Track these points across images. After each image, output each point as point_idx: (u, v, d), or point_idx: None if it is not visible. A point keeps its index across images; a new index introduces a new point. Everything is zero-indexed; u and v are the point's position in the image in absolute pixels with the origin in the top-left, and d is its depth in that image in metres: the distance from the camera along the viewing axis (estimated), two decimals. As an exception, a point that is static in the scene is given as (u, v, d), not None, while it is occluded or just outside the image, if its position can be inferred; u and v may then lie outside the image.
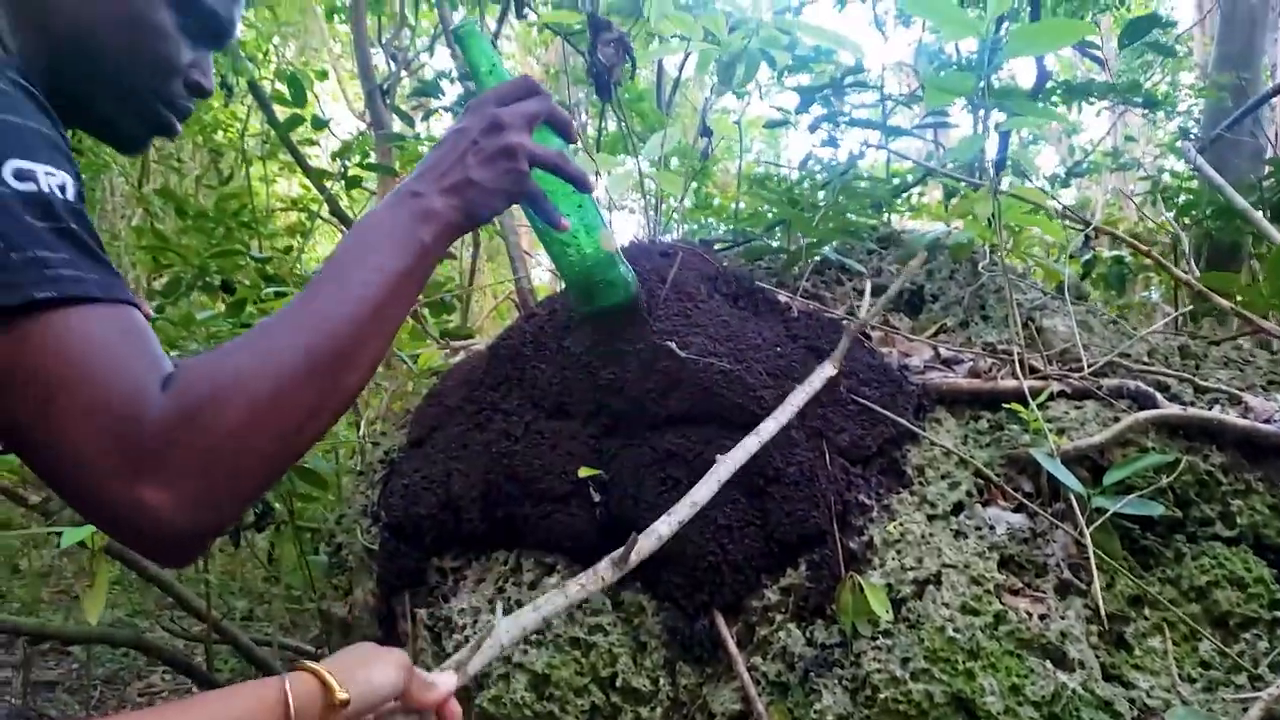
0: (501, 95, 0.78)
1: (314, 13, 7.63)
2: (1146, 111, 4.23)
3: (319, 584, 2.08)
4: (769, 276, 1.94)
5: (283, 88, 2.78)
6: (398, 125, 3.71)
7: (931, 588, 1.08)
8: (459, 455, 1.43)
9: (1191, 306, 2.06)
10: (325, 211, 3.50)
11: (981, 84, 1.47)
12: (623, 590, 1.25)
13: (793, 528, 1.19)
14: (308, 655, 2.52)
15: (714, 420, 1.29)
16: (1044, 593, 1.08)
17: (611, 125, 3.75)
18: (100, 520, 0.58)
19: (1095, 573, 1.06)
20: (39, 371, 0.54)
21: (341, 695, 0.60)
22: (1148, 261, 2.09)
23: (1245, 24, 4.42)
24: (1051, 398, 1.33)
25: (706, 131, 2.59)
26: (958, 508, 1.21)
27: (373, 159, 3.21)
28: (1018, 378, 1.37)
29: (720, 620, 1.18)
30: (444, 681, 0.72)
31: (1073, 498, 1.15)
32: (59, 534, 1.45)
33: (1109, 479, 1.15)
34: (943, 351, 1.54)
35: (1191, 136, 3.62)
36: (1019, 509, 1.20)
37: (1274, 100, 4.10)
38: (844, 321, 1.48)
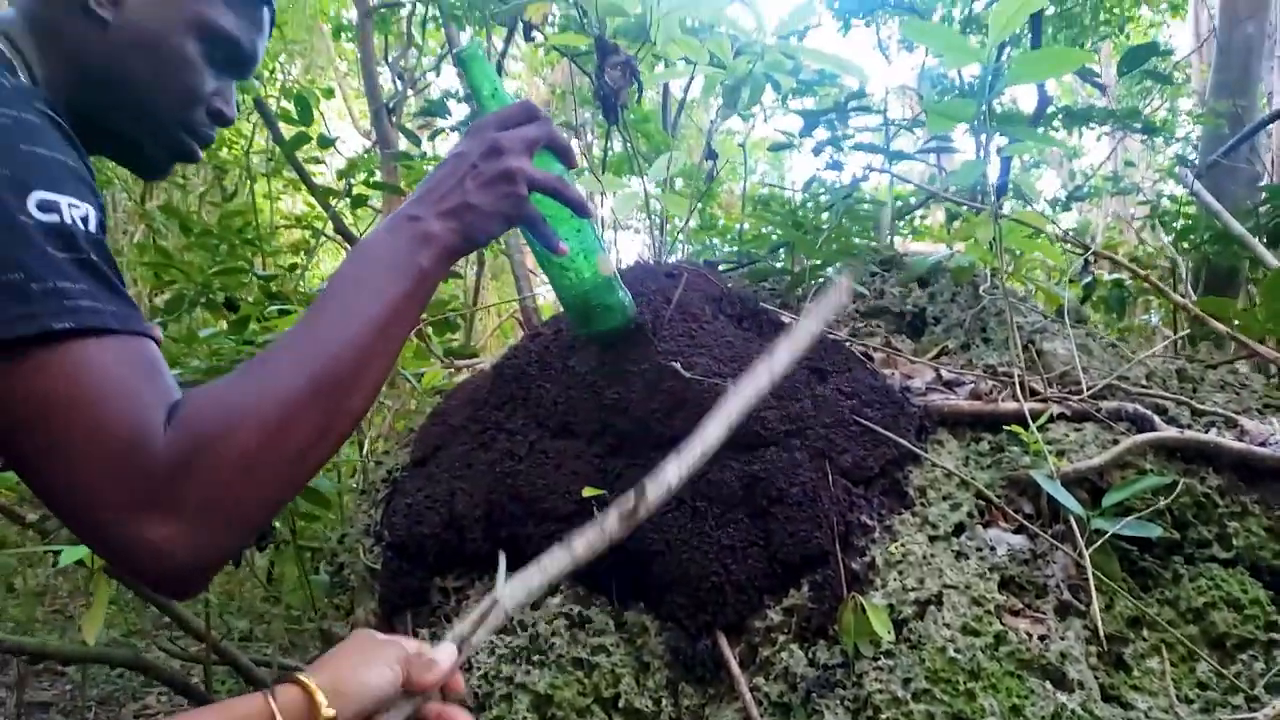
0: (502, 119, 0.79)
1: (321, 31, 7.71)
2: (1146, 137, 4.27)
3: (320, 604, 2.08)
4: (773, 297, 1.96)
5: (289, 105, 2.81)
6: (404, 144, 3.75)
7: (933, 608, 1.09)
8: (463, 474, 1.43)
9: (1189, 330, 2.08)
10: (330, 229, 3.52)
11: (983, 110, 1.50)
12: (626, 611, 1.26)
13: (795, 548, 1.19)
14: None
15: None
16: (1044, 614, 1.09)
17: (617, 146, 3.78)
18: (106, 553, 0.58)
19: (1094, 594, 1.07)
20: (52, 401, 0.55)
21: (328, 713, 0.59)
22: (1147, 285, 2.11)
23: (1241, 52, 4.47)
24: (1051, 420, 1.35)
25: (711, 154, 2.62)
26: (959, 529, 1.22)
27: (378, 177, 3.24)
28: (1018, 400, 1.38)
29: (723, 641, 1.19)
30: (444, 657, 0.69)
31: (1072, 519, 1.16)
32: (56, 552, 1.44)
33: (1108, 501, 1.16)
34: (944, 374, 1.55)
35: (1189, 163, 3.66)
36: (1019, 530, 1.21)
37: (1270, 127, 4.14)
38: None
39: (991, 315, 1.73)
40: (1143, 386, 1.49)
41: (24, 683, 2.70)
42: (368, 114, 5.45)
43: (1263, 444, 1.23)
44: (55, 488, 0.57)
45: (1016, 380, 1.43)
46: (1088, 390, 1.43)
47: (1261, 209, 2.59)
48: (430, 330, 2.57)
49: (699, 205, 3.17)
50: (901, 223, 3.00)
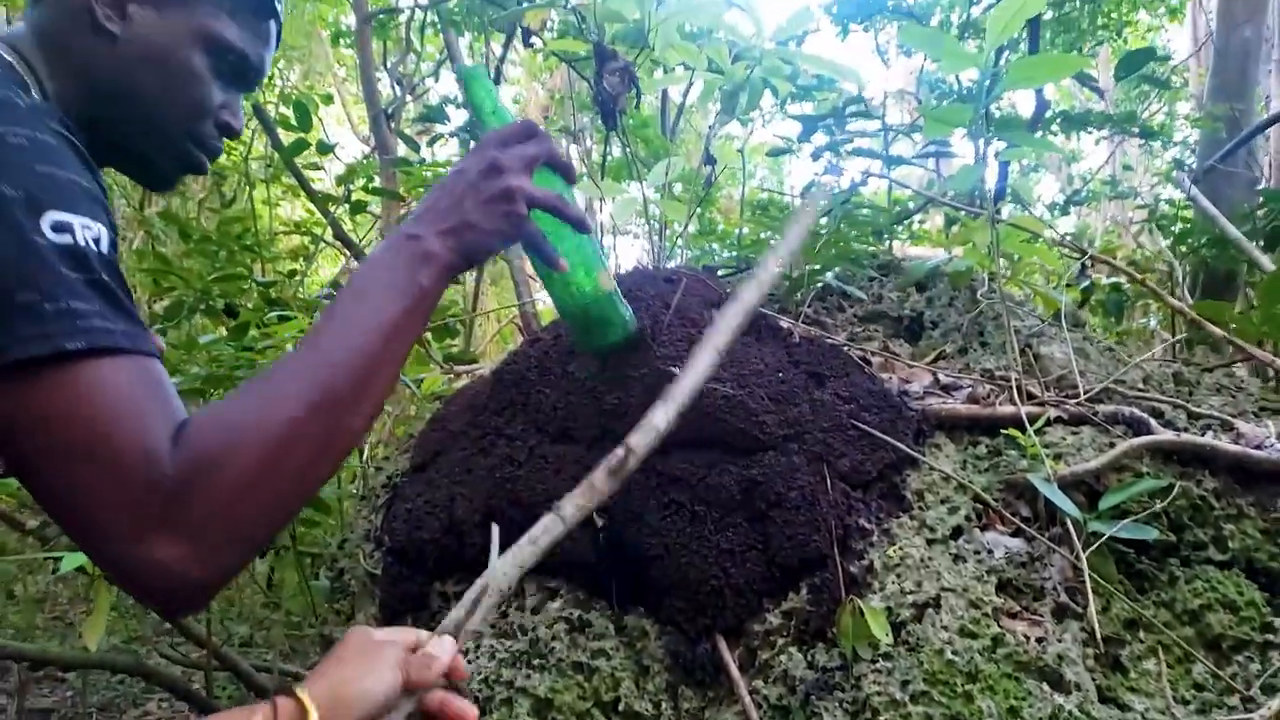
0: (502, 137, 0.80)
1: (319, 37, 7.74)
2: (1144, 141, 4.28)
3: (320, 609, 2.08)
4: (771, 303, 1.97)
5: (287, 111, 2.82)
6: (402, 150, 3.76)
7: (931, 611, 1.09)
8: (462, 480, 1.44)
9: (1186, 334, 2.08)
10: (329, 235, 3.53)
11: (981, 115, 1.51)
12: (625, 615, 1.26)
13: (794, 552, 1.20)
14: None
15: (717, 445, 1.31)
16: (1041, 616, 1.09)
17: (616, 151, 3.80)
18: (113, 570, 0.59)
19: (1091, 596, 1.08)
20: (64, 420, 0.56)
21: None
22: (1145, 289, 2.12)
23: (1239, 56, 4.48)
24: (1048, 424, 1.35)
25: (709, 159, 2.63)
26: (956, 532, 1.23)
27: (377, 183, 3.25)
28: (1015, 404, 1.39)
29: (722, 644, 1.19)
30: (442, 650, 0.69)
31: (1069, 522, 1.17)
32: (56, 559, 1.45)
33: (1104, 504, 1.17)
34: (942, 378, 1.56)
35: (1186, 167, 3.67)
36: (1017, 533, 1.22)
37: (1268, 131, 4.15)
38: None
39: (989, 319, 1.74)
40: (1139, 390, 1.49)
41: (25, 689, 2.70)
42: (366, 120, 5.46)
43: (1258, 447, 1.24)
44: (64, 505, 0.58)
45: (1014, 384, 1.43)
46: (1084, 394, 1.43)
47: (1259, 213, 2.60)
48: (430, 336, 2.58)
49: (698, 210, 3.18)
50: (900, 227, 3.00)
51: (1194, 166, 4.10)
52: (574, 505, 0.78)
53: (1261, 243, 2.47)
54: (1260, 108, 4.65)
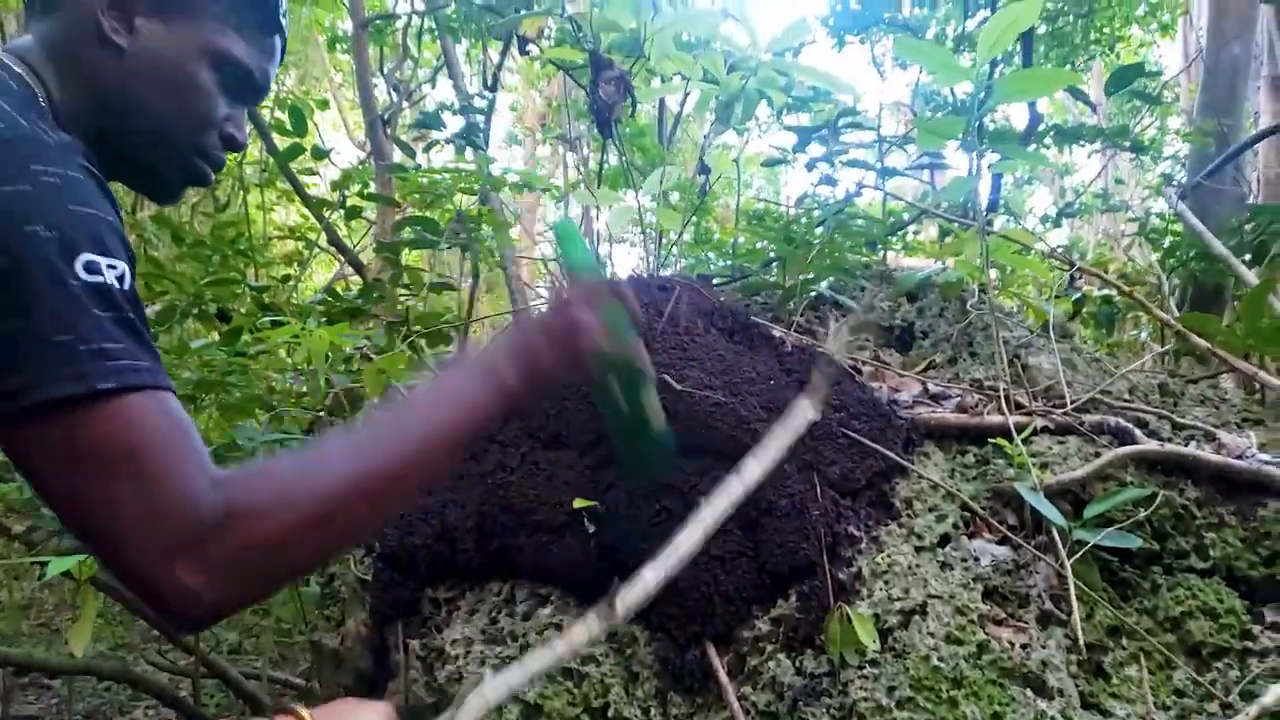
0: (587, 295, 0.90)
1: (316, 42, 7.75)
2: (1135, 155, 4.32)
3: (310, 616, 2.08)
4: (765, 311, 1.99)
5: (283, 116, 2.83)
6: (398, 156, 3.77)
7: (917, 618, 1.10)
8: (454, 485, 1.45)
9: (1173, 346, 2.11)
10: (324, 241, 3.53)
11: (974, 127, 1.53)
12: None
13: (784, 559, 1.21)
14: (296, 689, 2.50)
15: (709, 452, 1.32)
16: (1026, 623, 1.11)
17: (614, 159, 3.81)
18: (138, 588, 0.63)
19: (1075, 603, 1.09)
20: (100, 452, 0.60)
21: None
22: (1134, 301, 2.14)
23: (1228, 72, 4.53)
24: (1035, 433, 1.37)
25: (704, 169, 2.64)
26: (944, 540, 1.24)
27: (373, 189, 3.25)
28: (1003, 413, 1.40)
29: (711, 650, 1.20)
30: None
31: (1055, 531, 1.18)
32: (42, 564, 1.44)
33: (1089, 512, 1.18)
34: (931, 387, 1.57)
35: (1174, 182, 3.70)
36: (1003, 541, 1.23)
37: (1257, 147, 4.19)
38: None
39: (978, 330, 1.75)
40: (1125, 401, 1.51)
41: (9, 696, 2.68)
42: (362, 125, 5.47)
43: (1239, 457, 1.26)
44: (98, 529, 0.62)
45: (1002, 394, 1.45)
46: (1071, 404, 1.45)
47: (1246, 228, 2.62)
48: (423, 342, 2.58)
49: (693, 219, 3.19)
50: (894, 238, 3.02)
51: (1183, 181, 4.14)
52: (566, 644, 0.87)
53: (1249, 257, 2.50)
54: (1249, 124, 4.69)
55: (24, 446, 0.61)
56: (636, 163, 3.75)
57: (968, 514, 1.28)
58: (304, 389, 2.09)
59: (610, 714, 1.19)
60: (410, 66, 5.26)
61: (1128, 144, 3.41)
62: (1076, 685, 1.05)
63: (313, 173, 3.52)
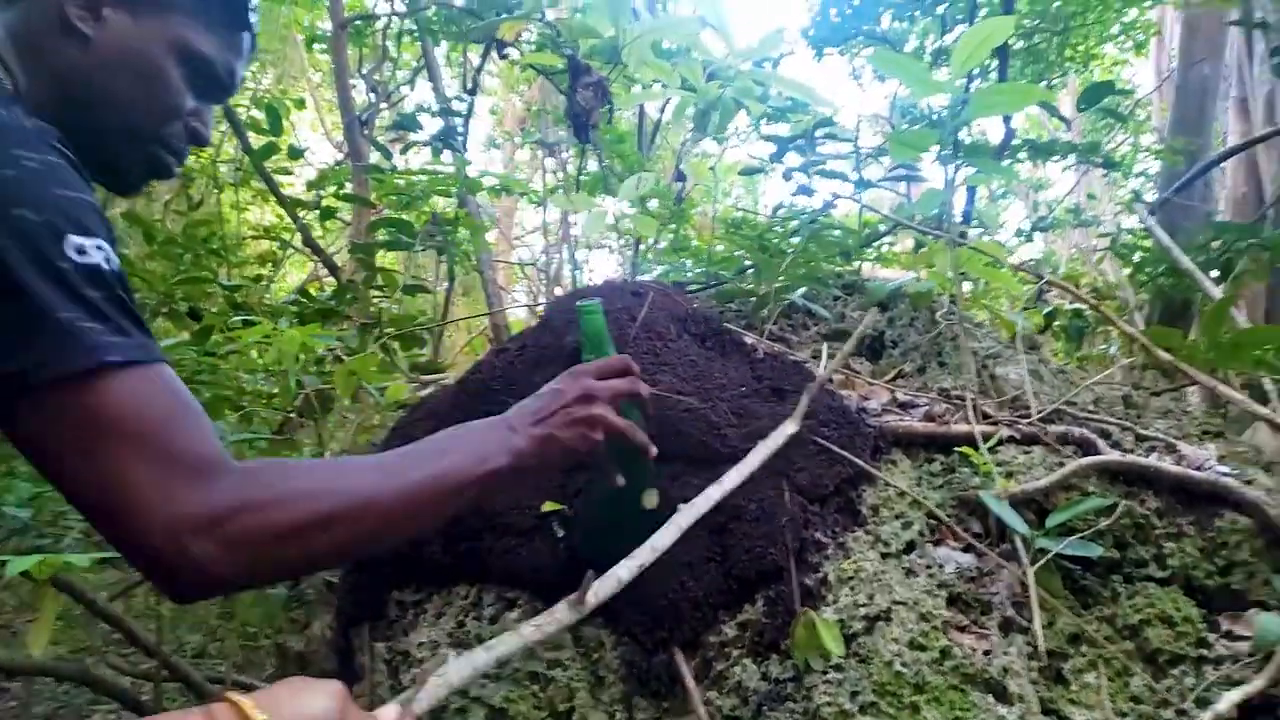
0: (600, 369, 0.98)
1: (294, 42, 7.69)
2: (1106, 171, 4.40)
3: (276, 619, 2.05)
4: (739, 319, 2.00)
5: (259, 115, 2.81)
6: (375, 157, 3.75)
7: (882, 623, 1.11)
8: (424, 486, 1.43)
9: (1138, 358, 2.14)
10: (298, 241, 3.51)
11: (949, 140, 1.55)
12: (582, 625, 1.26)
13: (751, 564, 1.21)
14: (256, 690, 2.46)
15: (679, 457, 1.32)
16: (988, 630, 1.12)
17: (593, 165, 3.82)
18: (143, 555, 0.65)
19: (1037, 611, 1.10)
20: (109, 425, 0.62)
21: (260, 717, 0.59)
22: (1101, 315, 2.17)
23: (1197, 92, 4.63)
24: (1001, 442, 1.38)
25: (680, 176, 2.66)
26: (910, 547, 1.25)
27: (349, 190, 3.24)
28: (970, 422, 1.42)
29: (679, 655, 1.20)
30: (384, 715, 0.70)
31: (1018, 539, 1.19)
32: (1, 565, 1.42)
33: (1052, 521, 1.20)
34: (900, 396, 1.59)
35: (1141, 200, 3.77)
36: (968, 549, 1.24)
37: (1225, 165, 4.28)
38: (806, 379, 1.53)
39: (948, 340, 1.77)
40: (1090, 412, 1.53)
41: (-33, 697, 2.63)
42: (340, 126, 5.44)
43: (1199, 468, 1.28)
44: (108, 500, 0.63)
45: (969, 403, 1.47)
46: (1037, 414, 1.47)
47: (1213, 244, 2.67)
48: (396, 345, 2.57)
49: (671, 226, 3.20)
50: (869, 249, 3.05)
51: (1155, 197, 4.22)
52: (533, 628, 0.91)
53: (1218, 272, 2.54)
54: (1217, 142, 4.80)
55: (31, 426, 0.62)
56: (616, 169, 3.75)
57: (933, 521, 1.29)
58: (275, 390, 2.08)
59: (575, 718, 1.19)
60: (389, 68, 5.24)
61: (1100, 160, 3.47)
62: (1037, 691, 1.06)
63: (288, 172, 3.49)
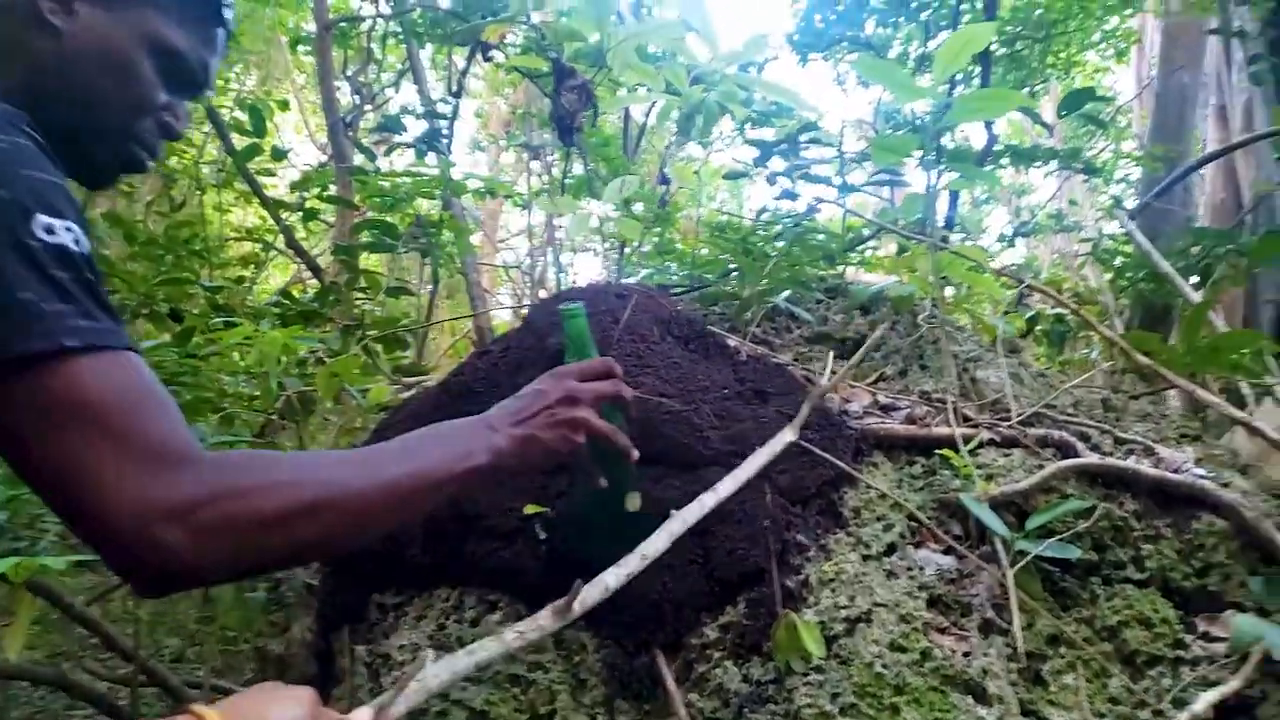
0: (583, 371, 0.98)
1: (279, 43, 7.65)
2: (1087, 177, 4.44)
3: (256, 622, 2.03)
4: (722, 321, 2.00)
5: (242, 116, 2.79)
6: (359, 159, 3.73)
7: (863, 625, 1.11)
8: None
9: (1118, 362, 2.16)
10: (281, 243, 3.49)
11: (932, 146, 1.56)
12: (564, 628, 1.26)
13: (733, 566, 1.21)
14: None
15: (662, 460, 1.32)
16: (968, 631, 1.12)
17: (578, 168, 3.82)
18: (105, 544, 0.63)
19: (1016, 612, 1.11)
20: (71, 409, 0.60)
21: None
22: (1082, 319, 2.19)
23: (1177, 99, 4.69)
24: (981, 445, 1.39)
25: (664, 179, 2.66)
26: (890, 549, 1.25)
27: (332, 191, 3.22)
28: (951, 425, 1.42)
29: (660, 657, 1.20)
30: (359, 717, 0.69)
31: (998, 541, 1.20)
32: (-26, 569, 1.40)
33: (1031, 523, 1.21)
34: (881, 398, 1.59)
35: (1123, 205, 3.81)
36: (948, 551, 1.25)
37: (1203, 171, 4.33)
38: (807, 387, 1.53)
39: (929, 343, 1.78)
40: (1069, 415, 1.55)
41: (-60, 703, 2.59)
42: (324, 127, 5.42)
43: (1176, 471, 1.29)
44: (73, 488, 0.61)
45: (950, 406, 1.47)
46: (1017, 417, 1.48)
47: (1193, 249, 2.70)
48: (379, 347, 2.56)
49: (655, 229, 3.21)
50: (853, 253, 3.07)
51: (1123, 206, 4.26)
52: (516, 634, 0.90)
53: (1198, 277, 2.57)
54: (1197, 149, 4.85)
55: None
56: (601, 172, 3.76)
57: (914, 524, 1.29)
58: (256, 392, 2.06)
59: (557, 721, 1.18)
60: (374, 70, 5.22)
61: (1081, 166, 3.51)
62: (1016, 692, 1.07)
63: (272, 174, 3.47)
